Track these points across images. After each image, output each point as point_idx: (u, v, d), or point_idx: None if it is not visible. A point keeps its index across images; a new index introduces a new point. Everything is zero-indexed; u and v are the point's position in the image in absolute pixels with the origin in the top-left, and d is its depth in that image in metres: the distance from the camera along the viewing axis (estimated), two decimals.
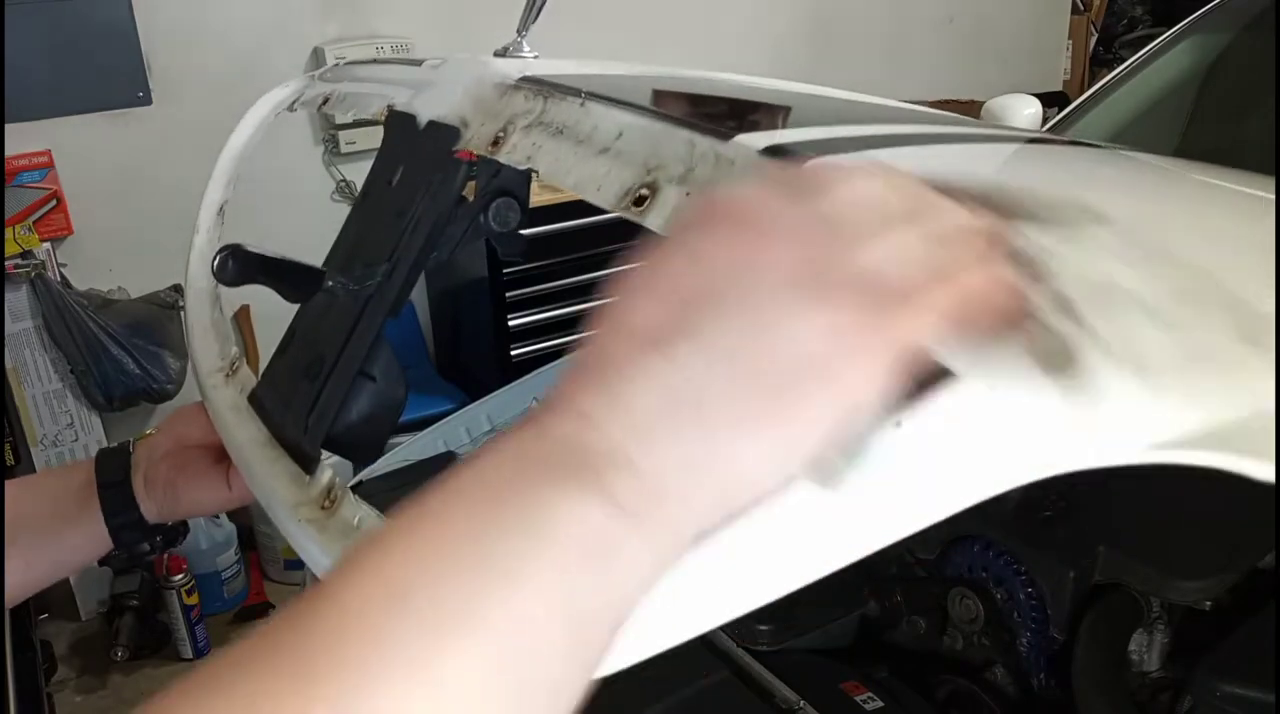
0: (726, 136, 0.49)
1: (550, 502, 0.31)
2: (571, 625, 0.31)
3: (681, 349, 0.32)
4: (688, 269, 0.33)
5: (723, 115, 0.56)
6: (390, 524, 0.32)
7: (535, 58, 0.77)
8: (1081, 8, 4.59)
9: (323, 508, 0.64)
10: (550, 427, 0.33)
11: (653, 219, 0.49)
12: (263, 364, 0.82)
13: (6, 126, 2.45)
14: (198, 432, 0.83)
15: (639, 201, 0.50)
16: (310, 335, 0.76)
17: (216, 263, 0.63)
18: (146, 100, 2.70)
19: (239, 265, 0.63)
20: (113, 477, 0.81)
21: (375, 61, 0.94)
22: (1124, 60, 2.34)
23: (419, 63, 0.80)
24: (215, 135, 1.00)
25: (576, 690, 0.32)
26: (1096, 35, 4.77)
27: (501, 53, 0.79)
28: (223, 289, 0.92)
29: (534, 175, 0.62)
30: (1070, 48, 4.61)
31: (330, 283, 0.68)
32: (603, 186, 0.53)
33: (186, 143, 2.57)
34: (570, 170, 0.56)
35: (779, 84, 0.77)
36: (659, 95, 0.62)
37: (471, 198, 0.74)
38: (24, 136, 2.55)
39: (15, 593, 0.79)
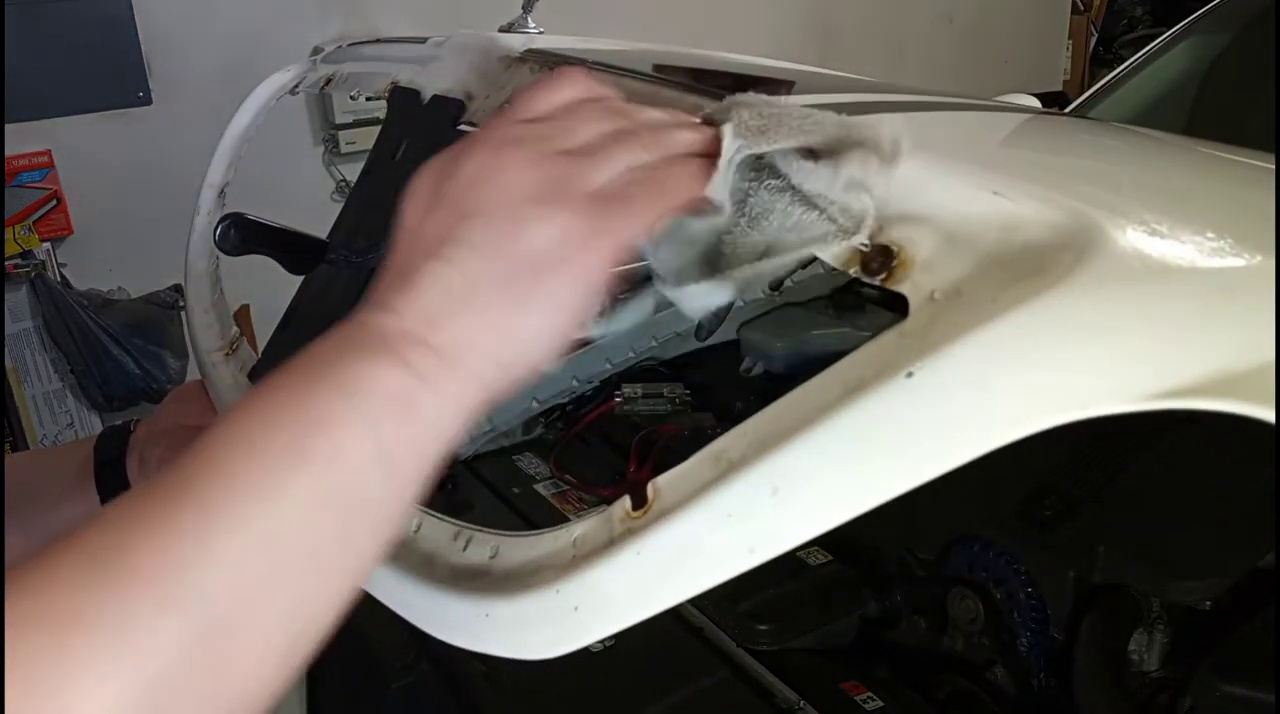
0: None
1: (359, 369, 0.40)
2: (383, 462, 0.40)
3: (458, 252, 0.42)
4: (460, 187, 0.44)
5: (728, 86, 0.56)
6: (245, 396, 0.41)
7: (540, 33, 0.77)
8: (1081, 8, 4.59)
9: None
10: (364, 318, 0.42)
11: None
12: None
13: (6, 126, 2.45)
14: (196, 410, 0.84)
15: None
16: (312, 309, 0.76)
17: (219, 231, 0.63)
18: (146, 100, 2.70)
19: (241, 234, 0.63)
20: (108, 454, 0.82)
21: (379, 41, 0.94)
22: (1124, 60, 2.34)
23: (423, 40, 0.81)
24: (215, 135, 1.00)
25: (392, 521, 0.41)
26: (1096, 35, 4.78)
27: (506, 28, 0.80)
28: (222, 272, 0.92)
29: None
30: (1070, 48, 4.61)
31: (333, 255, 0.68)
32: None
33: (187, 142, 2.57)
34: None
35: (780, 63, 0.77)
36: (663, 68, 0.62)
37: None
38: (24, 136, 2.55)
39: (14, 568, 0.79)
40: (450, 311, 0.42)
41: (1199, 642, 0.83)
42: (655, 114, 0.49)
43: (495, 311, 0.42)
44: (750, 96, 0.49)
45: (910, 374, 0.34)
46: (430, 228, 0.44)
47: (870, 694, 0.85)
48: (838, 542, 0.97)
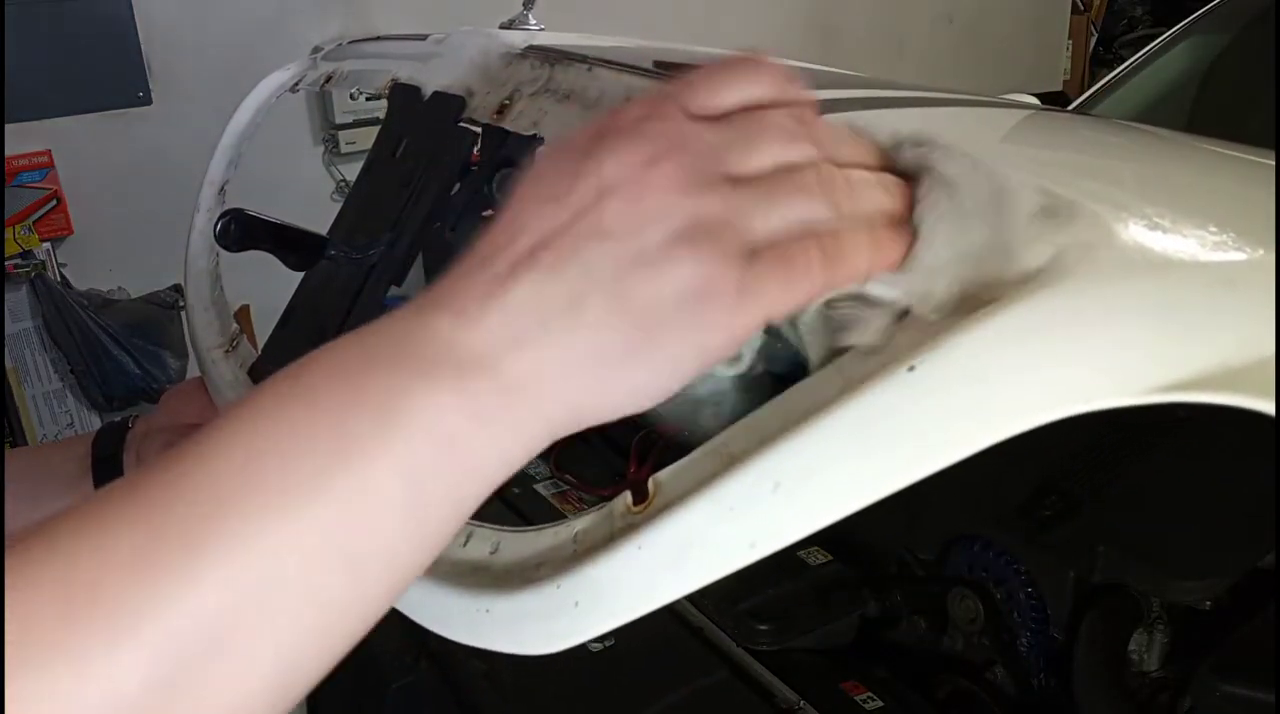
0: None
1: (409, 392, 0.33)
2: (411, 506, 0.33)
3: (569, 270, 0.34)
4: (594, 188, 0.35)
5: None
6: (267, 390, 0.34)
7: (541, 29, 0.77)
8: (1081, 7, 4.60)
9: None
10: (430, 318, 0.35)
11: None
12: None
13: (6, 126, 2.45)
14: (194, 409, 0.84)
15: None
16: (312, 306, 0.76)
17: (220, 227, 0.62)
18: (146, 100, 2.70)
19: (241, 230, 0.63)
20: (105, 451, 0.82)
21: (379, 38, 0.94)
22: (1124, 60, 2.34)
23: (423, 37, 0.81)
24: (216, 135, 1.00)
25: (412, 570, 0.35)
26: (1096, 35, 4.78)
27: (507, 25, 0.80)
28: (223, 271, 0.92)
29: (540, 142, 0.62)
30: (1070, 48, 4.61)
31: (333, 252, 0.68)
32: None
33: (186, 142, 2.57)
34: None
35: (782, 60, 0.77)
36: (664, 64, 0.62)
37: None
38: (24, 136, 2.55)
39: None
40: (538, 340, 0.34)
41: (1199, 642, 0.82)
42: (850, 147, 0.39)
43: (590, 356, 0.34)
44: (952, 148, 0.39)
45: (912, 368, 0.34)
46: (543, 224, 0.35)
47: (870, 694, 0.85)
48: (838, 542, 0.97)
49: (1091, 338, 0.35)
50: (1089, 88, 2.41)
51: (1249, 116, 1.85)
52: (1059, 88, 4.39)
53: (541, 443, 0.36)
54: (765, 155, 0.36)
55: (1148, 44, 2.19)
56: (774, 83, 0.38)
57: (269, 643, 0.32)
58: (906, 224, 0.37)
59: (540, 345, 0.34)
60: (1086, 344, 0.35)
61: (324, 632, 0.33)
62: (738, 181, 0.36)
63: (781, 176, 0.36)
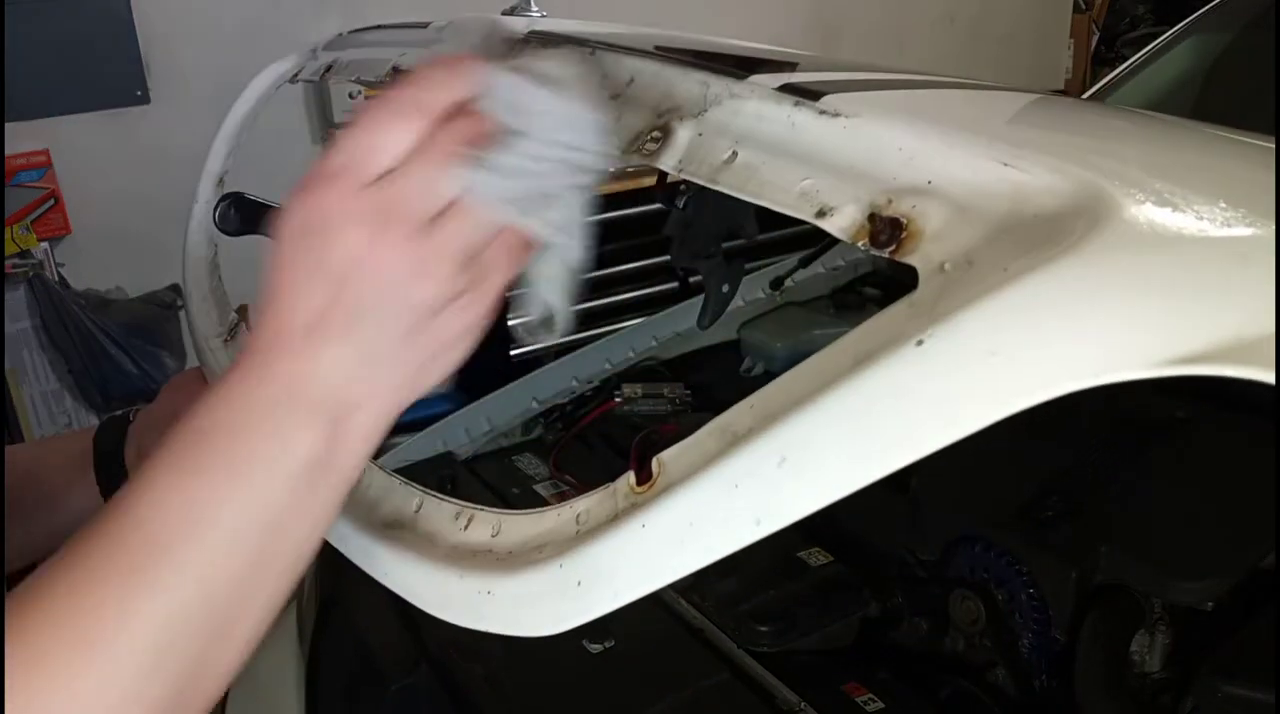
0: (741, 76, 0.49)
1: (282, 437, 0.44)
2: (299, 505, 0.44)
3: (351, 334, 0.44)
4: (338, 274, 0.43)
5: (733, 64, 0.56)
6: (147, 466, 0.45)
7: (543, 16, 0.76)
8: (1083, 6, 4.59)
9: None
10: (267, 389, 0.45)
11: (665, 160, 0.50)
12: None
13: (5, 126, 2.44)
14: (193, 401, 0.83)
15: (652, 143, 0.50)
16: None
17: (219, 211, 0.62)
18: (145, 100, 2.70)
19: (241, 214, 0.63)
20: (106, 445, 0.81)
21: (380, 27, 0.94)
22: (1126, 59, 2.33)
23: (425, 25, 0.81)
24: (214, 134, 1.00)
25: (307, 550, 0.45)
26: (1098, 34, 4.78)
27: (509, 12, 0.79)
28: (222, 273, 0.92)
29: None
30: (1072, 46, 4.61)
31: None
32: (614, 132, 0.53)
33: (185, 142, 2.56)
34: None
35: (782, 49, 0.77)
36: (666, 49, 0.62)
37: None
38: (22, 136, 2.54)
39: (14, 560, 0.79)
40: (351, 386, 0.44)
41: (1201, 643, 0.82)
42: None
43: (391, 388, 0.46)
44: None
45: (920, 342, 0.34)
46: (311, 302, 0.44)
47: (871, 696, 0.84)
48: (839, 542, 0.97)
49: (1103, 311, 0.34)
50: (1091, 86, 2.41)
51: (1251, 115, 1.85)
52: (1061, 86, 4.39)
53: (375, 438, 0.46)
54: (443, 188, 0.44)
55: (1150, 43, 2.19)
56: (407, 116, 0.44)
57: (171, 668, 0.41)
58: None
59: (354, 389, 0.44)
60: (1098, 317, 0.34)
61: (214, 654, 0.43)
62: (435, 220, 0.44)
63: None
